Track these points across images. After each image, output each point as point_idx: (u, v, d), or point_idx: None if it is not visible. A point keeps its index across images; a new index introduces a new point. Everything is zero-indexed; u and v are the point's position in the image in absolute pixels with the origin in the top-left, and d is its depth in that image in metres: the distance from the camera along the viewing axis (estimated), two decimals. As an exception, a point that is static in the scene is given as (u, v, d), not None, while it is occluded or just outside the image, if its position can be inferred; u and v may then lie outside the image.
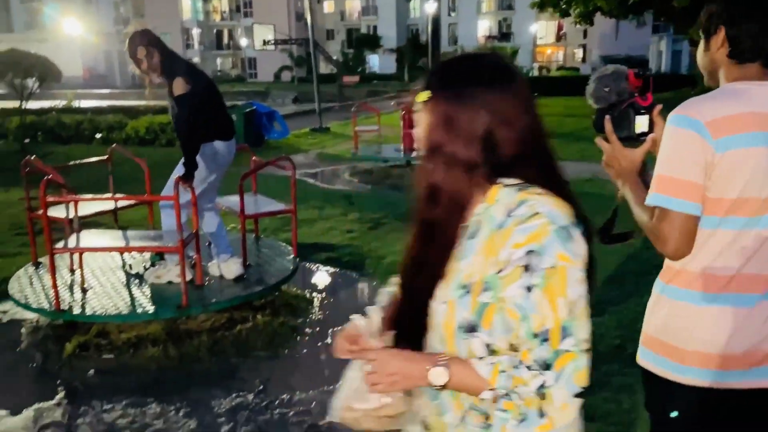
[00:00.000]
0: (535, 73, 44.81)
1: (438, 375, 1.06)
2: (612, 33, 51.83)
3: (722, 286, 1.46)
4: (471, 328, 1.06)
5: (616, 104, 1.57)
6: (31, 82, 12.53)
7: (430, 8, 30.59)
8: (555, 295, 1.01)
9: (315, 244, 5.68)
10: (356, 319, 1.26)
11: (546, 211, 1.04)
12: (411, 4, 66.87)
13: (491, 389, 1.03)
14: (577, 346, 1.03)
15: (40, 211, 4.12)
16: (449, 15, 60.61)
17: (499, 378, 1.03)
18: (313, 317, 4.15)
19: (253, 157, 4.82)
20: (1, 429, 2.89)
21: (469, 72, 1.11)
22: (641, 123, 1.53)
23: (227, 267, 3.98)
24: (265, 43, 28.15)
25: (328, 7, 66.60)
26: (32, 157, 4.21)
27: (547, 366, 1.01)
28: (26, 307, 3.59)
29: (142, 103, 17.24)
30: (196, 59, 63.56)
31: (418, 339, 1.16)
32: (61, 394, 3.20)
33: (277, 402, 3.09)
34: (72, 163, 5.02)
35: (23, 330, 3.98)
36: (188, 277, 3.62)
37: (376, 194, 8.33)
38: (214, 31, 65.71)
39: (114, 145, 5.01)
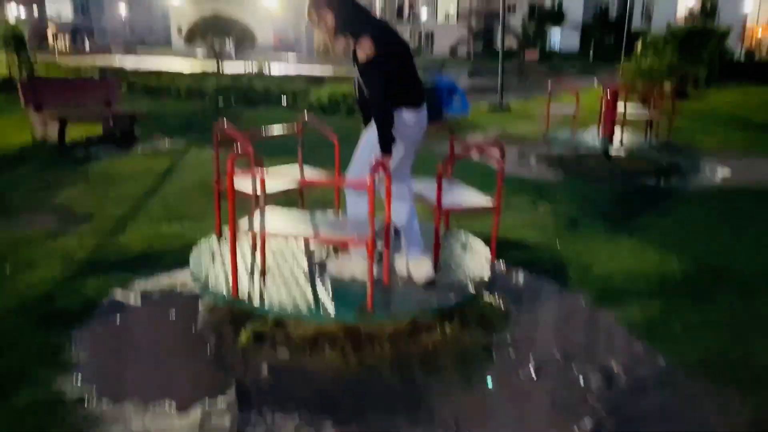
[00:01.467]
0: (741, 58, 39.43)
1: None
2: None
3: None
4: None
5: None
6: (229, 46, 13.06)
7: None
8: None
9: (505, 241, 4.98)
10: None
11: None
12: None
13: None
14: None
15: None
16: (643, -10, 55.48)
17: None
18: (510, 336, 3.49)
19: (452, 136, 4.22)
20: (165, 429, 2.60)
21: None
22: None
23: (417, 267, 3.43)
24: (446, 17, 27.45)
25: (511, -21, 64.21)
26: (224, 122, 3.94)
27: None
28: (203, 289, 3.31)
29: (328, 72, 17.54)
30: (376, 30, 64.59)
31: None
32: (231, 393, 2.87)
33: (475, 452, 2.50)
34: (263, 129, 4.74)
35: (201, 308, 3.76)
36: (374, 275, 3.12)
37: (569, 186, 7.41)
38: (396, 2, 66.30)
39: (306, 116, 4.66)
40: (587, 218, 5.88)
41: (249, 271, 3.48)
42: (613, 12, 60.08)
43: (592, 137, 8.77)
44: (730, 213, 6.07)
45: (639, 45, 18.71)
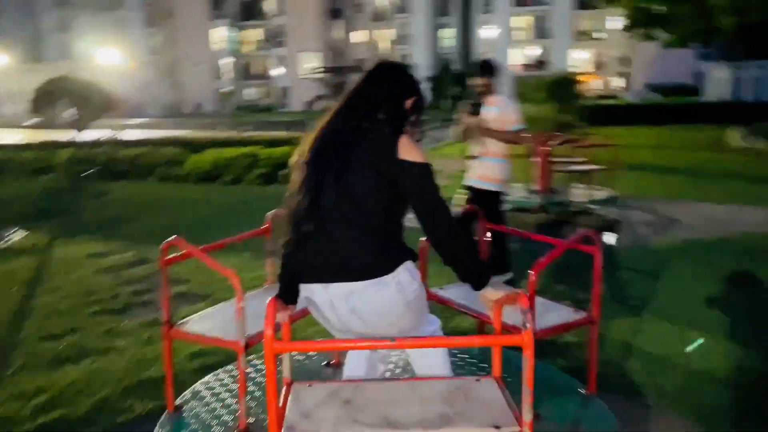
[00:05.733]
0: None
1: None
2: (655, 61, 50.26)
3: None
4: None
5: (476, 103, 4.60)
6: (82, 113, 11.12)
7: (487, 33, 29.22)
8: None
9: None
10: None
11: None
12: (438, 34, 65.83)
13: None
14: None
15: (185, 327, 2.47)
16: (484, 44, 59.34)
17: None
18: None
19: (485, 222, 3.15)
20: None
21: None
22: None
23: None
24: (312, 71, 26.80)
25: (359, 36, 65.95)
26: (175, 237, 2.53)
27: None
28: None
29: (207, 134, 15.83)
30: (227, 89, 63.23)
31: None
32: None
33: None
34: (224, 242, 3.27)
35: None
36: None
37: (528, 251, 6.56)
38: (246, 60, 65.24)
39: (273, 211, 3.32)
40: (581, 293, 5.01)
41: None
42: (457, 65, 63.49)
43: (527, 192, 8.12)
44: (728, 272, 5.51)
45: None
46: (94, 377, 3.67)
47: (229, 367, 3.04)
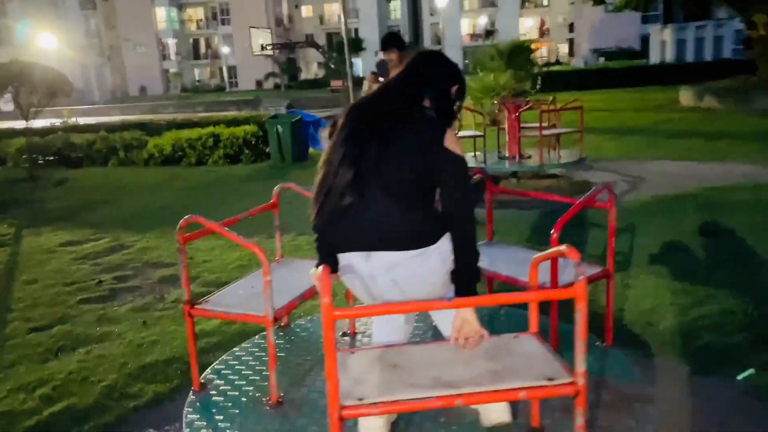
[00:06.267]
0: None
1: None
2: (600, 26, 51.07)
3: None
4: None
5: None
6: (37, 98, 10.65)
7: (442, 2, 29.18)
8: None
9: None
10: None
11: None
12: (391, 5, 65.41)
13: None
14: None
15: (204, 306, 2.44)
16: (431, 15, 59.13)
17: None
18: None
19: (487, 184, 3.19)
20: None
21: None
22: None
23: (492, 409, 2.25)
24: (263, 48, 26.26)
25: (306, 11, 64.91)
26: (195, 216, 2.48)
27: None
28: None
29: (164, 116, 15.37)
30: (173, 70, 61.41)
31: None
32: None
33: None
34: (237, 217, 3.17)
35: None
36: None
37: (503, 216, 6.64)
38: (191, 40, 63.42)
39: (280, 185, 3.26)
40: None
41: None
42: (406, 37, 63.17)
43: (498, 158, 8.24)
44: (698, 225, 5.73)
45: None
46: (94, 365, 3.59)
47: (245, 344, 3.02)
